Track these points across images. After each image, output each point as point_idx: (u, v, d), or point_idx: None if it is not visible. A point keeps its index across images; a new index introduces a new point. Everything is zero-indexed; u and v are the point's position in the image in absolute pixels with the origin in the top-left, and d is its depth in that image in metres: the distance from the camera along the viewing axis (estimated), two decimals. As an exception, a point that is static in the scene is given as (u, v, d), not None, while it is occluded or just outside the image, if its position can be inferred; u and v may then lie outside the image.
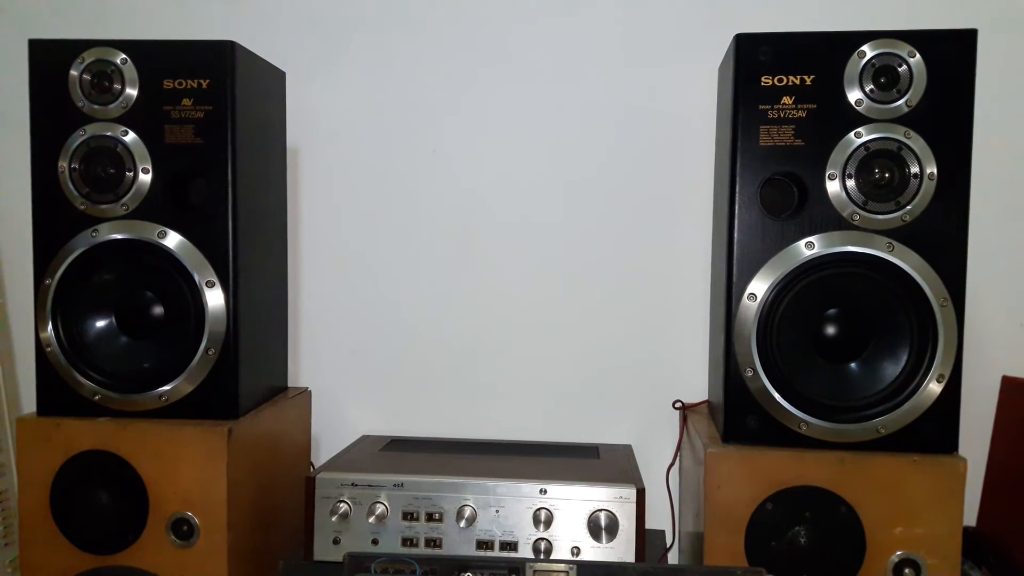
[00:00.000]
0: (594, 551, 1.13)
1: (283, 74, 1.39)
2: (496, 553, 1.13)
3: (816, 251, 1.10)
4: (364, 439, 1.48)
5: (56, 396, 1.17)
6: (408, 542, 1.14)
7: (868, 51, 1.09)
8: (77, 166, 1.16)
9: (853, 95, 1.09)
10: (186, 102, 1.15)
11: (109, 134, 1.16)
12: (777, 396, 1.11)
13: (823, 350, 1.13)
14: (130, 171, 1.16)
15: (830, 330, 1.13)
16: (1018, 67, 1.45)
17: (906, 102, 1.08)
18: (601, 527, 1.13)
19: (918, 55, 1.08)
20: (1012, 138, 1.45)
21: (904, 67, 1.08)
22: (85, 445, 1.14)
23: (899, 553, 1.08)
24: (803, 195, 1.12)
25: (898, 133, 1.09)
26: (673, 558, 1.44)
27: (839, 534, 1.08)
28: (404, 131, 1.56)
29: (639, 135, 1.52)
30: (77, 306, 1.17)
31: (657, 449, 1.49)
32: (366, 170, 1.57)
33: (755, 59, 1.11)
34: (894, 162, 1.09)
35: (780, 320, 1.11)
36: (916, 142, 1.08)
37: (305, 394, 1.46)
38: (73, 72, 1.16)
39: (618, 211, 1.53)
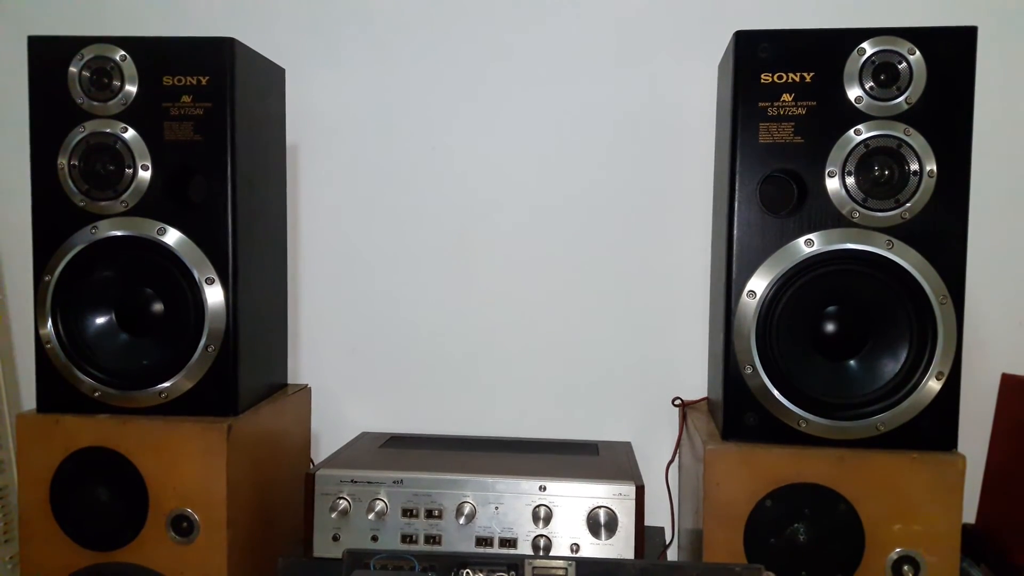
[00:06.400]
0: (593, 548, 1.13)
1: (283, 71, 1.39)
2: (495, 550, 1.13)
3: (815, 248, 1.10)
4: (364, 436, 1.48)
5: (56, 393, 1.17)
6: (407, 539, 1.15)
7: (868, 48, 1.09)
8: (77, 163, 1.16)
9: (853, 92, 1.09)
10: (186, 99, 1.15)
11: (108, 131, 1.16)
12: (776, 393, 1.11)
13: (822, 347, 1.13)
14: (130, 168, 1.16)
15: (829, 327, 1.13)
16: (1018, 65, 1.45)
17: (906, 99, 1.08)
18: (600, 524, 1.13)
19: (918, 52, 1.08)
20: (1012, 135, 1.45)
21: (904, 64, 1.08)
22: (85, 442, 1.14)
23: (898, 550, 1.08)
24: (803, 192, 1.12)
25: (898, 130, 1.08)
26: (672, 555, 1.44)
27: (838, 531, 1.08)
28: (404, 128, 1.56)
29: (639, 132, 1.52)
30: (77, 303, 1.17)
31: (656, 446, 1.49)
32: (366, 167, 1.57)
33: (755, 56, 1.11)
34: (894, 159, 1.09)
35: (779, 317, 1.11)
36: (916, 139, 1.08)
37: (305, 391, 1.46)
38: (72, 69, 1.16)
39: (618, 208, 1.53)
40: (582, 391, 1.56)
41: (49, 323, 1.17)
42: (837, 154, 1.10)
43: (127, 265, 1.18)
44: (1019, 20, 1.45)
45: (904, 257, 1.08)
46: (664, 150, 1.52)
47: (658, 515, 1.44)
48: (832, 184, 1.10)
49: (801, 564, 1.09)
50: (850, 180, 1.09)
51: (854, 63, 1.09)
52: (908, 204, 1.09)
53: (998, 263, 1.45)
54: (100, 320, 1.19)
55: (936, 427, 1.09)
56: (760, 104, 1.11)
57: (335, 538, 1.15)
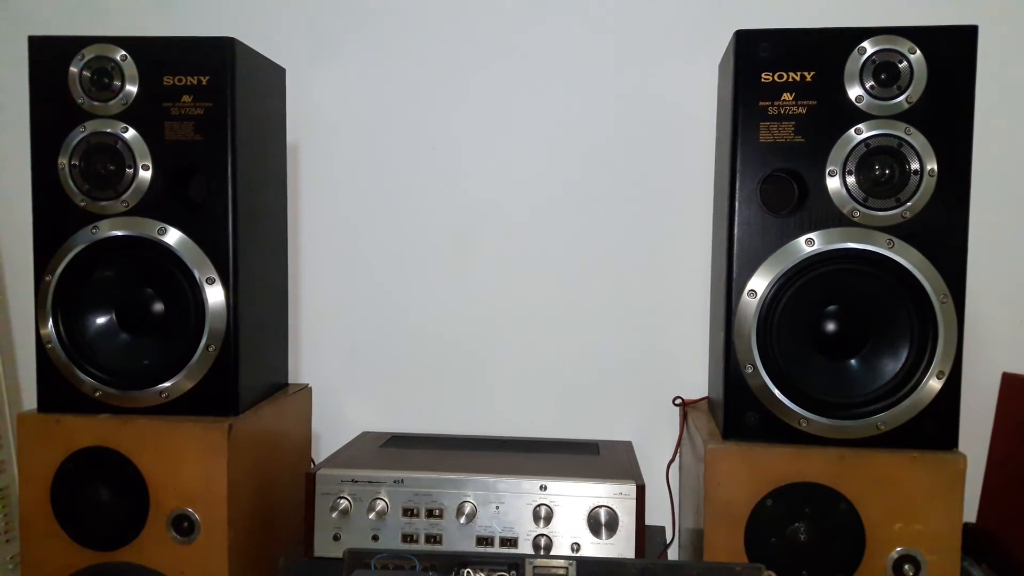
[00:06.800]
0: (594, 547, 1.13)
1: (283, 70, 1.39)
2: (496, 549, 1.13)
3: (816, 248, 1.10)
4: (364, 435, 1.48)
5: (57, 393, 1.17)
6: (408, 538, 1.15)
7: (868, 47, 1.09)
8: (77, 163, 1.16)
9: (853, 91, 1.09)
10: (186, 99, 1.15)
11: (109, 131, 1.16)
12: (777, 393, 1.11)
13: (823, 347, 1.13)
14: (130, 168, 1.16)
15: (830, 327, 1.13)
16: (1018, 63, 1.45)
17: (906, 98, 1.08)
18: (601, 523, 1.13)
19: (919, 51, 1.08)
20: (1012, 134, 1.45)
21: (904, 63, 1.08)
22: (86, 441, 1.14)
23: (899, 549, 1.08)
24: (803, 192, 1.11)
25: (898, 130, 1.08)
26: (673, 554, 1.44)
27: (839, 531, 1.08)
28: (404, 127, 1.56)
29: (639, 132, 1.52)
30: (77, 303, 1.17)
31: (657, 445, 1.49)
32: (366, 166, 1.57)
33: (755, 55, 1.11)
34: (894, 159, 1.09)
35: (780, 317, 1.11)
36: (916, 138, 1.08)
37: (305, 390, 1.46)
38: (73, 69, 1.16)
39: (619, 208, 1.53)
40: (583, 390, 1.56)
41: (50, 323, 1.17)
42: (838, 153, 1.10)
43: (128, 265, 1.18)
44: (1019, 20, 1.45)
45: (905, 256, 1.08)
46: (665, 149, 1.52)
47: (659, 514, 1.44)
48: (833, 183, 1.10)
49: (802, 563, 1.09)
50: (851, 179, 1.09)
51: (855, 62, 1.09)
52: (909, 203, 1.09)
53: (999, 262, 1.45)
54: (101, 320, 1.19)
55: (937, 426, 1.09)
56: (761, 103, 1.11)
57: (336, 538, 1.15)
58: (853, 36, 1.09)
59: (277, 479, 1.31)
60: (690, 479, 1.31)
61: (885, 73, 1.09)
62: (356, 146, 1.57)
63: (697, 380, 1.47)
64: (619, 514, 1.13)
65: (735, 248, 1.12)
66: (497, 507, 1.14)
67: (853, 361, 1.13)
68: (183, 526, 1.14)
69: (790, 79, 1.10)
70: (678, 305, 1.52)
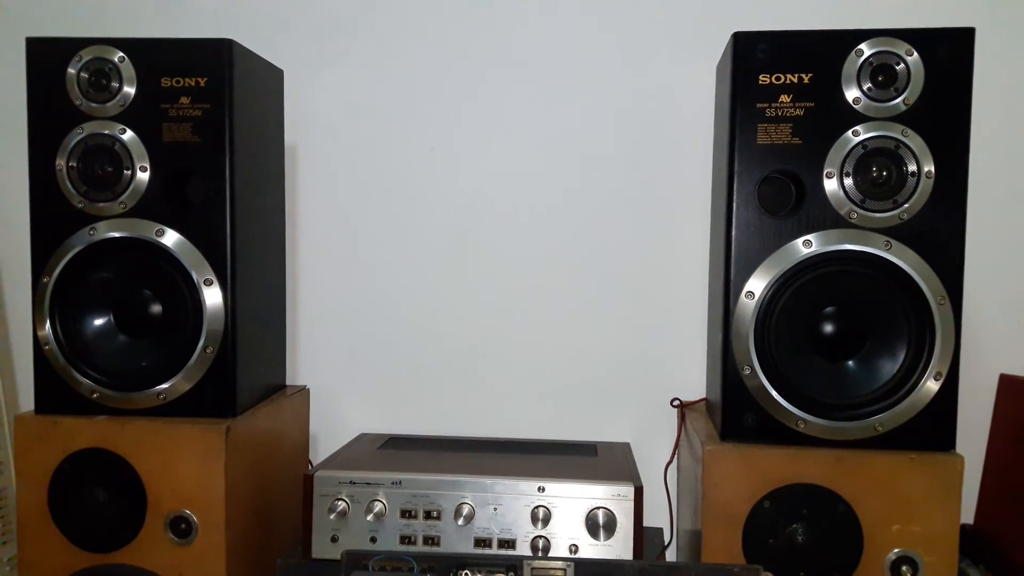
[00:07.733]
0: (592, 549, 1.13)
1: (281, 72, 1.39)
2: (494, 551, 1.13)
3: (814, 249, 1.10)
4: (362, 437, 1.48)
5: (54, 394, 1.17)
6: (406, 540, 1.14)
7: (866, 49, 1.09)
8: (75, 164, 1.16)
9: (851, 93, 1.09)
10: (184, 100, 1.15)
11: (107, 132, 1.16)
12: (775, 394, 1.11)
13: (821, 348, 1.13)
14: (128, 169, 1.16)
15: (828, 328, 1.13)
16: (1016, 65, 1.45)
17: (904, 100, 1.08)
18: (599, 525, 1.13)
19: (916, 53, 1.08)
20: (1010, 136, 1.45)
21: (902, 65, 1.08)
22: (83, 443, 1.14)
23: (896, 551, 1.08)
24: (801, 193, 1.12)
25: (896, 131, 1.09)
26: (671, 556, 1.44)
27: (837, 532, 1.08)
28: (402, 129, 1.56)
29: (637, 134, 1.52)
30: (75, 304, 1.17)
31: (655, 447, 1.49)
32: (364, 167, 1.57)
33: (753, 57, 1.11)
34: (892, 160, 1.09)
35: (778, 318, 1.11)
36: (914, 140, 1.08)
37: (303, 392, 1.46)
38: (71, 70, 1.15)
39: (616, 210, 1.53)
40: (581, 392, 1.56)
41: (47, 324, 1.16)
42: (835, 155, 1.10)
43: (125, 266, 1.18)
44: (1017, 21, 1.45)
45: (902, 258, 1.09)
46: (663, 151, 1.52)
47: (657, 516, 1.44)
48: (830, 185, 1.10)
49: (800, 565, 1.09)
50: (848, 181, 1.10)
51: (852, 64, 1.09)
52: (906, 205, 1.09)
53: (996, 264, 1.45)
54: (98, 321, 1.19)
55: (934, 427, 1.09)
56: (758, 105, 1.11)
57: (334, 539, 1.15)
58: (851, 38, 1.09)
59: (275, 481, 1.31)
60: (688, 480, 1.31)
61: (882, 75, 1.09)
62: (354, 147, 1.57)
63: (695, 381, 1.47)
64: (617, 516, 1.13)
65: (733, 250, 1.12)
66: (495, 509, 1.14)
67: (851, 362, 1.13)
68: (181, 528, 1.13)
69: (788, 81, 1.11)
70: (676, 306, 1.52)
